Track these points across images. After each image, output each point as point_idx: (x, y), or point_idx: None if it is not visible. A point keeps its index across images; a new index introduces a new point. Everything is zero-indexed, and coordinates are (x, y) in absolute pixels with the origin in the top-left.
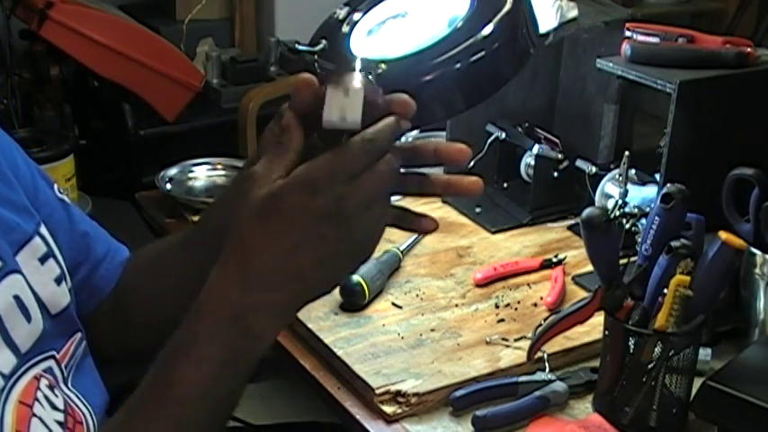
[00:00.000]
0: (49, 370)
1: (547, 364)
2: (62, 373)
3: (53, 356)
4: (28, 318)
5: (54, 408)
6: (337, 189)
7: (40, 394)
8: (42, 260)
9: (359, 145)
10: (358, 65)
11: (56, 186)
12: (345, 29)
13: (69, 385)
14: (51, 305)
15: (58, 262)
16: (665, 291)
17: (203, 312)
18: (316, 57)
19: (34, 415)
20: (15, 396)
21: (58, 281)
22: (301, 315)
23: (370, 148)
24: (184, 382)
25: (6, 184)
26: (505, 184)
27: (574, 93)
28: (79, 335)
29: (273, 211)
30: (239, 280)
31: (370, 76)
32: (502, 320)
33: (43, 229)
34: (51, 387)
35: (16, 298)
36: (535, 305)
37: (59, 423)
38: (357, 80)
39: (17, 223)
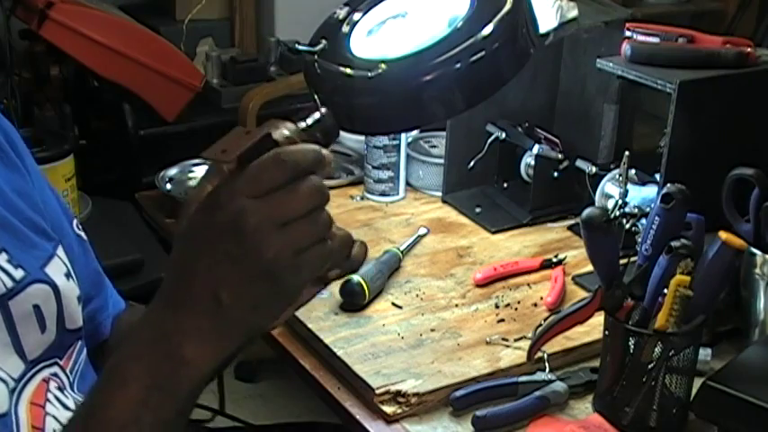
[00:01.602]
0: (55, 375)
1: (547, 364)
2: (68, 377)
3: (57, 363)
4: (42, 328)
5: (66, 407)
6: (237, 203)
7: (50, 395)
8: (67, 277)
9: (267, 162)
10: (311, 119)
11: (75, 222)
12: (345, 29)
13: (75, 390)
14: (69, 320)
15: (76, 283)
16: (665, 291)
17: (134, 334)
18: (316, 57)
19: (47, 414)
20: (27, 397)
21: (79, 299)
22: (301, 315)
23: (280, 166)
24: (110, 404)
25: (32, 207)
26: (505, 184)
27: (574, 93)
28: (80, 343)
29: (188, 232)
30: (168, 302)
31: (309, 128)
32: (502, 320)
33: (61, 251)
34: (61, 389)
35: (36, 308)
36: (535, 305)
37: None
38: (281, 129)
39: (39, 242)
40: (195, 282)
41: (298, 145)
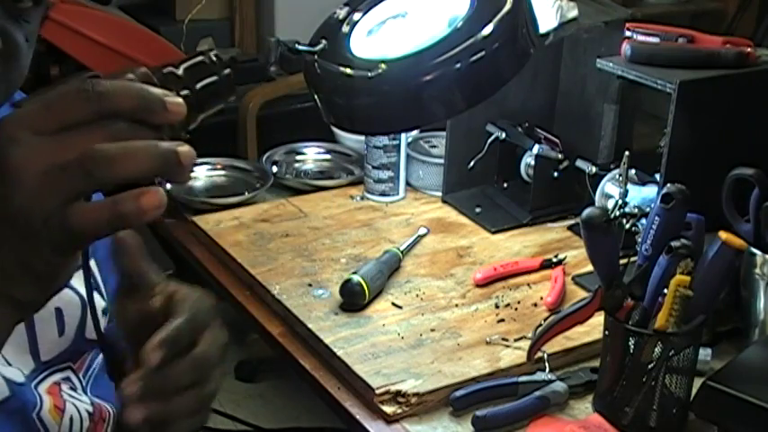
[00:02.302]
0: (67, 379)
1: (547, 364)
2: (80, 381)
3: (70, 366)
4: (61, 331)
5: (81, 401)
6: (11, 132)
7: (65, 394)
8: (94, 289)
9: (67, 91)
10: None
11: None
12: (345, 29)
13: (88, 393)
14: (90, 330)
15: (102, 296)
16: (665, 291)
17: None
18: (316, 57)
19: (66, 401)
20: (43, 390)
21: (104, 312)
22: (301, 315)
23: (81, 96)
24: None
25: None
26: (505, 184)
27: (574, 93)
28: (95, 351)
29: None
30: None
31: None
32: (502, 320)
33: (91, 262)
34: (73, 389)
35: (57, 310)
36: (535, 305)
37: (89, 413)
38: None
39: None
40: None
41: (125, 81)
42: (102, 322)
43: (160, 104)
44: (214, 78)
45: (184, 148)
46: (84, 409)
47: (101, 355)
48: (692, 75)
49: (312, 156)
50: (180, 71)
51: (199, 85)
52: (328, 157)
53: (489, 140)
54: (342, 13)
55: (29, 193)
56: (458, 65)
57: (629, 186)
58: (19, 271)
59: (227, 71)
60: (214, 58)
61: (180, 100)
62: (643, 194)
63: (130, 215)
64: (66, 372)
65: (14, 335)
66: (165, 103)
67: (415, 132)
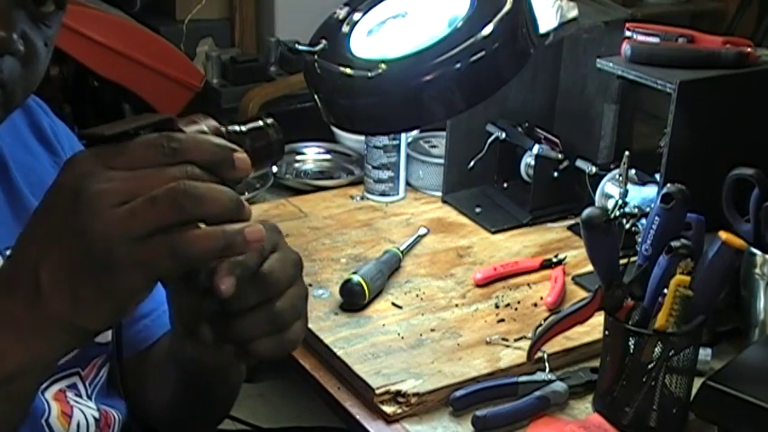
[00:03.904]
0: (73, 386)
1: (547, 364)
2: (86, 389)
3: (78, 373)
4: None
5: (88, 407)
6: (88, 167)
7: (71, 401)
8: None
9: (147, 140)
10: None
11: None
12: (345, 29)
13: (93, 400)
14: (104, 335)
15: None
16: (665, 291)
17: None
18: (316, 57)
19: (73, 406)
20: (50, 396)
21: None
22: None
23: (159, 147)
24: None
25: None
26: (505, 184)
27: (574, 93)
28: (105, 356)
29: (41, 201)
30: None
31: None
32: (502, 320)
33: None
34: (78, 396)
35: None
36: (535, 305)
37: (95, 419)
38: (199, 123)
39: None
40: (22, 257)
41: (199, 134)
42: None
43: (230, 161)
44: (269, 141)
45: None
46: (91, 414)
47: (108, 364)
48: (692, 75)
49: (312, 156)
50: (243, 129)
51: (255, 145)
52: (328, 157)
53: (489, 140)
54: (342, 13)
55: (108, 223)
56: (458, 65)
57: (629, 186)
58: (95, 300)
59: (280, 136)
60: (269, 122)
61: (246, 158)
62: (643, 194)
63: (238, 246)
64: (72, 378)
65: None
66: (234, 160)
67: (415, 132)
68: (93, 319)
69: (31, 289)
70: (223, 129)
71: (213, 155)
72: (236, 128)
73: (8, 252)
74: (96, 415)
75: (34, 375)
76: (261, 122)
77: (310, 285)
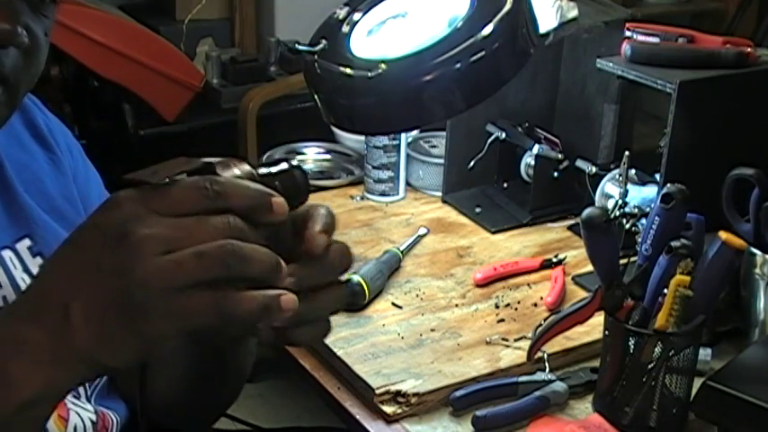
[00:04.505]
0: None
1: (547, 364)
2: (86, 390)
3: None
4: None
5: (85, 409)
6: (134, 210)
7: (68, 403)
8: None
9: (191, 183)
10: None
11: None
12: (345, 29)
13: (92, 402)
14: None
15: None
16: (665, 291)
17: None
18: (316, 57)
19: (69, 409)
20: None
21: None
22: None
23: (203, 191)
24: None
25: (75, 209)
26: (505, 184)
27: (574, 93)
28: None
29: (75, 232)
30: (15, 307)
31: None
32: (502, 320)
33: None
34: (76, 397)
35: None
36: (535, 305)
37: (92, 421)
38: (233, 168)
39: None
40: (51, 287)
41: (239, 180)
42: None
43: (268, 206)
44: (296, 183)
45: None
46: (88, 417)
47: None
48: (692, 75)
49: (312, 156)
50: (272, 171)
51: (284, 187)
52: (328, 157)
53: (489, 140)
54: (342, 13)
55: (152, 271)
56: (458, 65)
57: (629, 186)
58: (123, 341)
59: (306, 178)
60: (295, 164)
61: (283, 202)
62: (643, 194)
63: (274, 312)
64: None
65: None
66: (272, 205)
67: (415, 132)
68: (117, 357)
69: (60, 320)
70: (255, 172)
71: (253, 200)
72: (267, 170)
73: (3, 252)
74: (93, 418)
75: (48, 403)
76: (287, 165)
77: None
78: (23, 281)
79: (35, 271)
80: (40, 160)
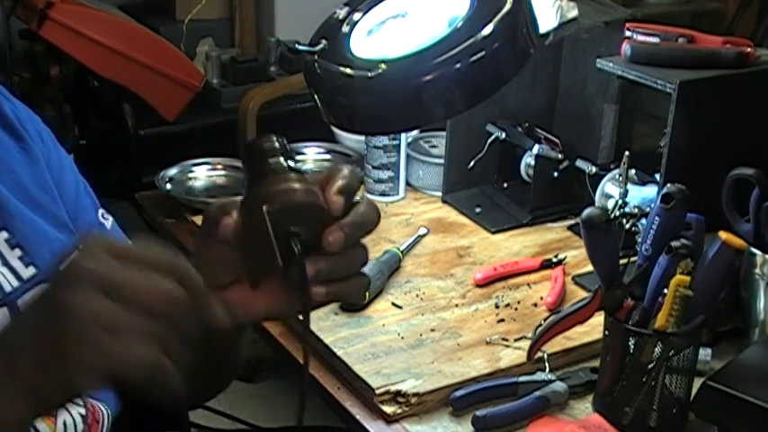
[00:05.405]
0: None
1: (547, 364)
2: None
3: None
4: None
5: (74, 403)
6: (98, 260)
7: None
8: None
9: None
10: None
11: (100, 211)
12: (345, 29)
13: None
14: None
15: None
16: (665, 291)
17: None
18: (316, 57)
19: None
20: None
21: None
22: None
23: (151, 260)
24: None
25: (51, 197)
26: (505, 184)
27: (574, 93)
28: None
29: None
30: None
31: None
32: (502, 320)
33: None
34: None
35: None
36: (535, 305)
37: (82, 416)
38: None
39: (58, 238)
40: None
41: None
42: None
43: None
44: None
45: None
46: (78, 412)
47: None
48: (692, 75)
49: (312, 156)
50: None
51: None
52: (328, 157)
53: (489, 140)
54: (342, 13)
55: (88, 305)
56: (458, 65)
57: (629, 186)
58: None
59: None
60: None
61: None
62: (643, 194)
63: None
64: None
65: None
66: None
67: (415, 132)
68: (51, 392)
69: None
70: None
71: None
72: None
73: None
74: (83, 411)
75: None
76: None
77: None
78: (2, 275)
79: (14, 264)
80: (11, 150)
